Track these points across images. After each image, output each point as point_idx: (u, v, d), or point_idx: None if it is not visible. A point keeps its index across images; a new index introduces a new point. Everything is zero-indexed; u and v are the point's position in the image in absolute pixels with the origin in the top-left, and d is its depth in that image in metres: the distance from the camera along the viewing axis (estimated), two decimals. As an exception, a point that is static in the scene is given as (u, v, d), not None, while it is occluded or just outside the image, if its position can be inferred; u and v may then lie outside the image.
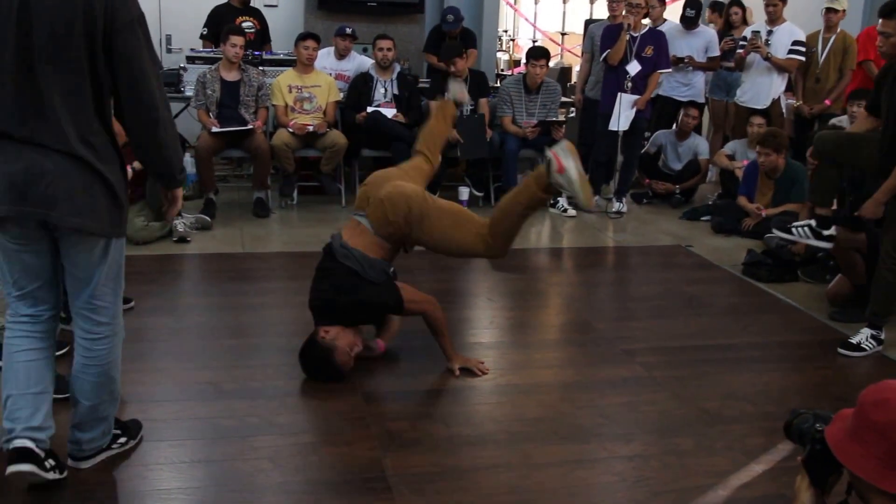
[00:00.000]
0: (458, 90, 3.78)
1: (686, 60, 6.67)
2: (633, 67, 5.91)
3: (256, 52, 6.44)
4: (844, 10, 6.03)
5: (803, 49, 6.11)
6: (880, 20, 3.49)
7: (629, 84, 5.89)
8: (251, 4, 6.84)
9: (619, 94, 5.88)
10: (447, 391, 3.14)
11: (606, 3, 6.68)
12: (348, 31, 6.46)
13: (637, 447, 2.78)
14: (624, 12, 5.96)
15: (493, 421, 2.95)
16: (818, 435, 1.63)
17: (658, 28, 6.28)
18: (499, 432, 2.85)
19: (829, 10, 6.01)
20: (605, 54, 5.97)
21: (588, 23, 7.58)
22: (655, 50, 5.96)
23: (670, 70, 6.39)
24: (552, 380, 3.33)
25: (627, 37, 5.84)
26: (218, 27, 6.62)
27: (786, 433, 1.78)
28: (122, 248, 2.36)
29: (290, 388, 3.10)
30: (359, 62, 6.54)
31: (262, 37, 6.77)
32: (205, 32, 6.78)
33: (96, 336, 2.34)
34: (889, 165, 3.51)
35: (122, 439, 2.56)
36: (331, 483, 2.48)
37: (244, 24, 6.63)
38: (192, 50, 6.54)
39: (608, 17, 6.48)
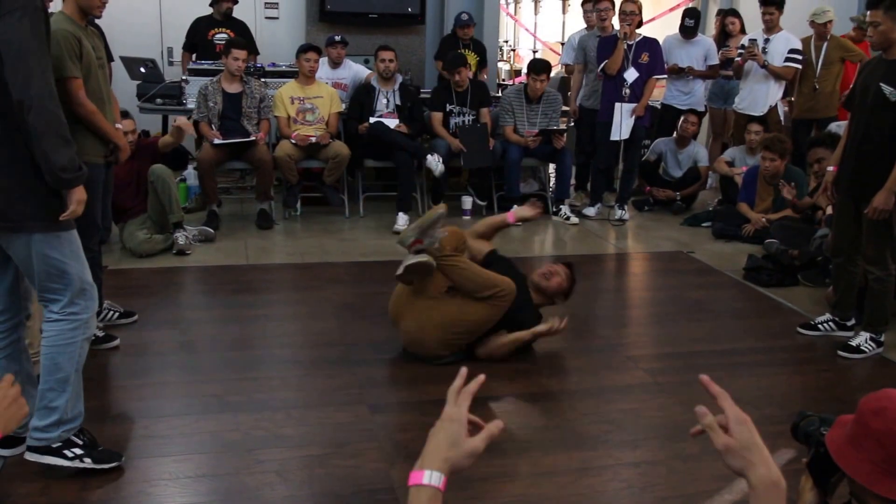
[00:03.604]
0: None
1: (686, 70, 6.73)
2: (631, 75, 5.95)
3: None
4: (831, 21, 6.08)
5: (800, 57, 6.16)
6: (869, 12, 3.54)
7: (627, 91, 5.92)
8: (233, 16, 6.88)
9: (617, 104, 5.92)
10: (452, 400, 3.15)
11: (595, 13, 6.70)
12: (337, 38, 6.52)
13: (643, 453, 2.79)
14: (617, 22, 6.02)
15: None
16: (822, 438, 1.66)
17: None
18: (505, 441, 2.85)
19: (812, 23, 6.10)
20: (602, 65, 6.01)
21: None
22: (651, 56, 6.00)
23: (665, 76, 6.44)
24: (557, 387, 3.34)
25: (624, 46, 5.88)
26: (194, 39, 6.80)
27: (793, 434, 1.82)
28: (51, 244, 2.34)
29: (295, 401, 3.11)
30: (354, 70, 6.62)
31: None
32: (185, 43, 6.89)
33: (48, 318, 2.42)
34: (865, 157, 3.55)
35: (79, 451, 2.48)
36: (338, 496, 2.48)
37: (217, 36, 6.73)
38: (193, 62, 6.59)
39: (598, 28, 6.50)
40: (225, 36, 6.77)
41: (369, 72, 6.59)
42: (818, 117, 6.19)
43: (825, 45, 6.12)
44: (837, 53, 6.12)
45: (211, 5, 6.80)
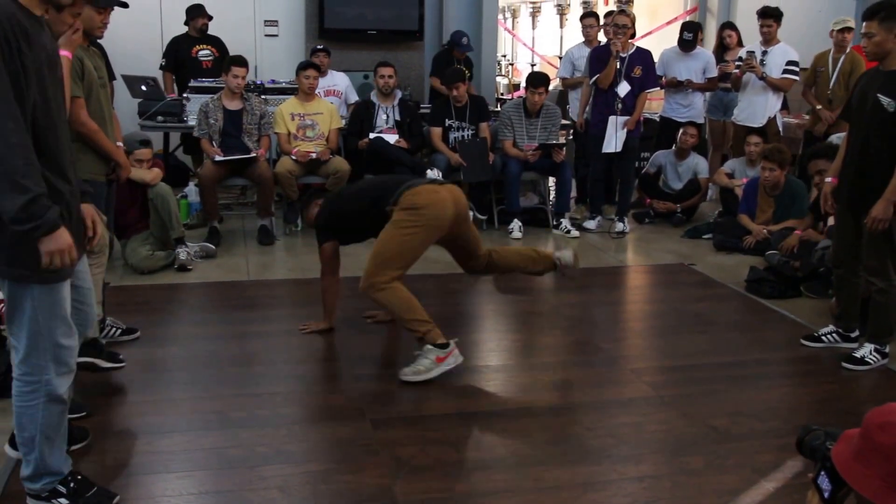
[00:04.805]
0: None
1: (685, 83, 6.76)
2: (623, 89, 5.97)
3: (210, 80, 6.55)
4: (850, 29, 6.02)
5: (797, 69, 6.17)
6: (864, 22, 3.54)
7: (619, 105, 5.95)
8: (209, 32, 7.01)
9: (610, 117, 5.94)
10: (455, 416, 3.14)
11: (600, 27, 6.75)
12: (319, 48, 6.69)
13: (647, 468, 2.78)
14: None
15: (502, 445, 2.95)
16: (828, 453, 1.65)
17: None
18: (508, 456, 2.85)
19: (844, 30, 6.00)
20: (594, 78, 6.04)
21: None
22: (643, 70, 6.03)
23: (657, 89, 6.46)
24: (560, 402, 3.33)
25: (617, 63, 5.91)
26: (176, 57, 6.91)
27: (798, 449, 1.81)
28: (17, 294, 2.19)
29: (297, 417, 3.10)
30: (340, 78, 6.79)
31: (221, 64, 6.86)
32: (163, 63, 7.01)
33: (14, 373, 2.30)
34: (864, 168, 3.55)
35: (64, 500, 2.39)
36: (341, 510, 2.47)
37: (201, 53, 6.87)
38: (193, 80, 6.62)
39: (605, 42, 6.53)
40: (208, 52, 6.93)
41: (346, 78, 6.85)
42: (833, 132, 6.02)
43: (842, 57, 6.04)
44: (849, 67, 6.03)
45: (186, 23, 6.93)
